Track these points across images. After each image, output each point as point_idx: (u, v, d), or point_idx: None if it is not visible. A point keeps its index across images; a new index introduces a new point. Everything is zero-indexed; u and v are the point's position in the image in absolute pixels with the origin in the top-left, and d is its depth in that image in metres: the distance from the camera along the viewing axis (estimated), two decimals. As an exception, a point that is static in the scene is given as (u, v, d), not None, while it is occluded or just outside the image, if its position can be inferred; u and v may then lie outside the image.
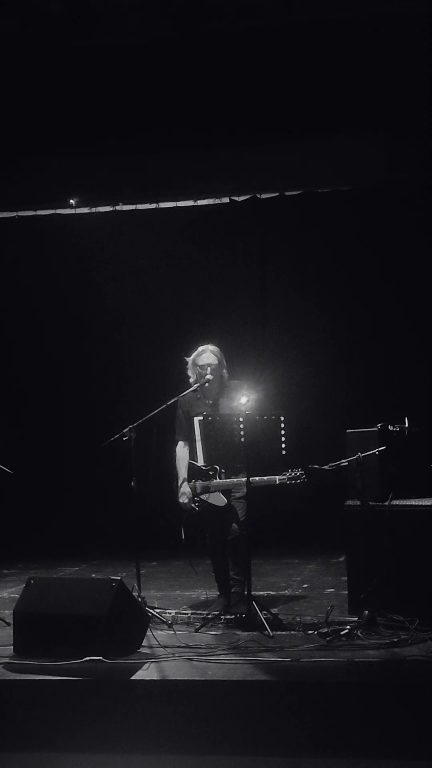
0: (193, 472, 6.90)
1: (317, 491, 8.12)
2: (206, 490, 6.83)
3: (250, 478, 6.50)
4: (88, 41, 9.33)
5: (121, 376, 10.71)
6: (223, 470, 6.78)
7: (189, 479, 6.91)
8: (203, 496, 6.83)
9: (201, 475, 6.85)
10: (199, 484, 6.86)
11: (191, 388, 6.99)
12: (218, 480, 6.80)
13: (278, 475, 6.61)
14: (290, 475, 6.59)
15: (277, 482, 6.60)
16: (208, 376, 6.90)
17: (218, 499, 6.80)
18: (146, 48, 9.49)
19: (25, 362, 10.88)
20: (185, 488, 6.90)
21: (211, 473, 6.81)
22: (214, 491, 6.81)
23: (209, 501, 6.82)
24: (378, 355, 10.08)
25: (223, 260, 10.71)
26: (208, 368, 6.91)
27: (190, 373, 7.05)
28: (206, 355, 6.96)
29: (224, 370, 7.00)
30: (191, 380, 7.03)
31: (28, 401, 10.86)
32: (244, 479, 6.57)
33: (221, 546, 6.89)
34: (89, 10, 9.02)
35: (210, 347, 7.01)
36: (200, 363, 6.95)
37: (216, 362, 6.94)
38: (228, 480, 6.77)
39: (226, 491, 6.80)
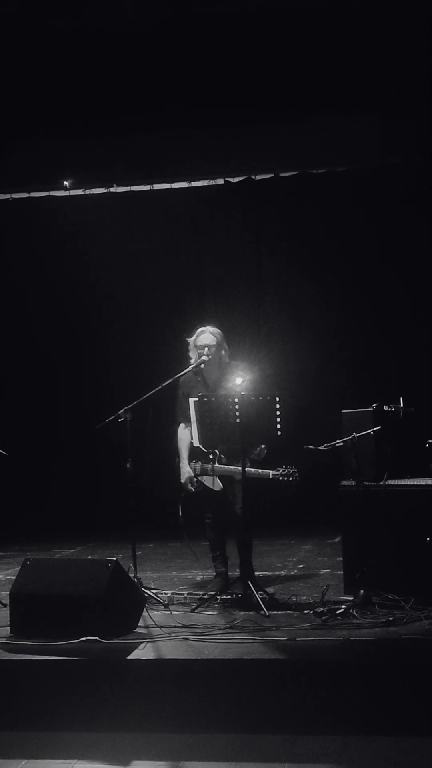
0: (194, 454, 6.92)
1: (313, 472, 8.18)
2: (204, 472, 6.86)
3: (246, 468, 6.57)
4: (82, 22, 9.28)
5: (116, 357, 10.69)
6: (222, 455, 6.77)
7: (190, 460, 6.94)
8: (201, 478, 6.87)
9: (201, 457, 6.87)
10: (199, 465, 6.89)
11: (188, 368, 6.98)
12: (217, 465, 6.81)
13: (272, 470, 6.64)
14: (283, 471, 6.61)
15: (270, 477, 6.63)
16: (204, 357, 6.89)
17: (215, 484, 6.83)
18: (140, 28, 9.43)
19: (21, 344, 10.85)
20: (185, 468, 6.91)
21: (211, 457, 6.82)
22: (212, 475, 6.83)
23: (206, 484, 6.85)
24: (374, 335, 10.08)
25: (218, 241, 10.69)
26: (206, 349, 6.91)
27: (191, 354, 7.04)
28: (205, 335, 6.96)
29: (223, 352, 6.99)
30: (191, 361, 7.03)
31: (24, 383, 10.84)
32: (240, 467, 6.62)
33: (220, 525, 6.93)
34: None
35: (210, 328, 7.01)
36: (199, 344, 6.95)
37: (214, 343, 6.93)
38: (225, 467, 6.78)
39: (224, 476, 6.81)
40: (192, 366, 6.98)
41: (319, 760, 4.74)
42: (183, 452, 6.97)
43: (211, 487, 6.83)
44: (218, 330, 7.01)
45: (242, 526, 6.71)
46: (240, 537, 6.74)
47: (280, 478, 6.61)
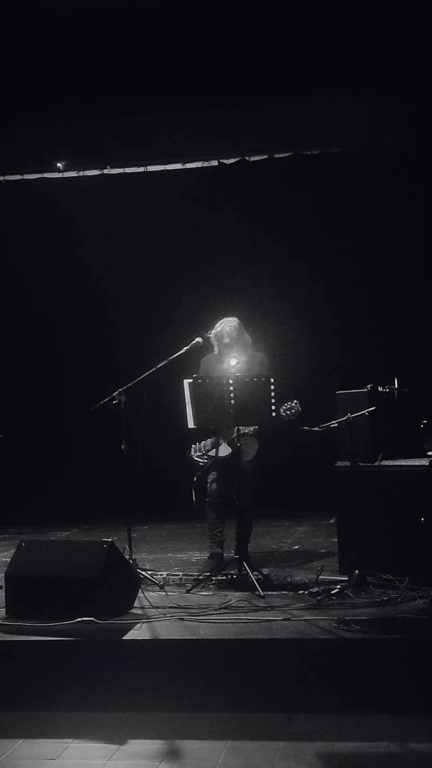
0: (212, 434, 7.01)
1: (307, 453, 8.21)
2: (215, 445, 6.92)
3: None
4: (73, 1, 9.21)
5: (110, 339, 10.67)
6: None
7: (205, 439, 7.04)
8: (212, 452, 6.93)
9: (213, 435, 6.97)
10: (209, 441, 6.97)
11: (182, 350, 7.01)
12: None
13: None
14: (285, 407, 6.48)
15: (273, 415, 6.44)
16: (198, 339, 7.00)
17: (224, 450, 6.87)
18: (133, 8, 9.37)
19: (15, 329, 10.82)
20: (208, 443, 6.98)
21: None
22: (221, 444, 6.89)
23: (216, 455, 6.89)
24: (368, 316, 10.06)
25: (212, 223, 10.64)
26: (225, 338, 6.96)
27: (215, 348, 7.07)
28: (223, 326, 7.01)
29: (246, 339, 7.00)
30: (215, 351, 7.07)
31: (18, 365, 10.81)
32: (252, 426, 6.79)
33: (222, 505, 6.97)
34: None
35: (228, 319, 7.04)
36: (219, 335, 6.99)
37: (235, 333, 6.95)
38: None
39: (232, 442, 6.79)
40: (185, 348, 7.01)
41: (315, 738, 4.76)
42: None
43: (221, 455, 6.86)
44: (236, 319, 7.03)
45: (249, 480, 6.73)
46: (241, 516, 6.73)
47: (283, 413, 6.45)
